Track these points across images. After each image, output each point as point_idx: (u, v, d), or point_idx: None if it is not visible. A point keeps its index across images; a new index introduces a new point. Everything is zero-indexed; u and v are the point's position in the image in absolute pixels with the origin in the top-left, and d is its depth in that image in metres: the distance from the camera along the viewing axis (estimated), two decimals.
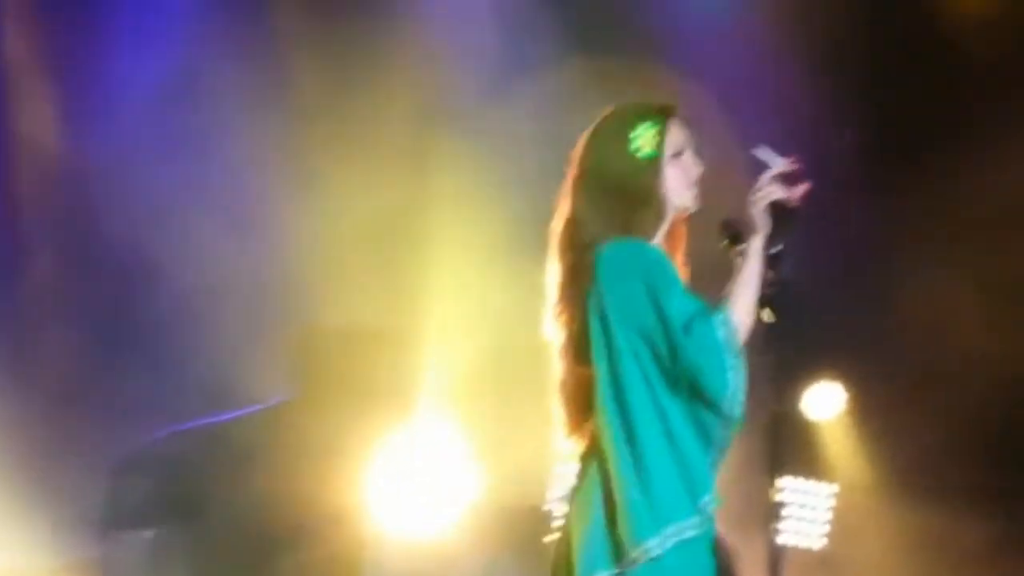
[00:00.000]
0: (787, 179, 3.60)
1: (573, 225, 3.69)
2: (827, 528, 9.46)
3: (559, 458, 8.32)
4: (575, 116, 8.28)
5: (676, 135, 3.72)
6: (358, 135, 7.73)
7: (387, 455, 7.79)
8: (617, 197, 3.65)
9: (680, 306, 3.49)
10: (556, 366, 3.87)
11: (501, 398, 7.85)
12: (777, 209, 3.56)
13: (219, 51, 7.72)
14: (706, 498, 3.50)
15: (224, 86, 7.68)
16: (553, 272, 3.74)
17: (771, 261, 3.54)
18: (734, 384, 3.46)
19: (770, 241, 3.55)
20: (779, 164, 3.61)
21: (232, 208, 7.66)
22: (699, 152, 3.74)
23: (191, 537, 7.62)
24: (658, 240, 3.70)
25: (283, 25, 7.98)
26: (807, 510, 9.44)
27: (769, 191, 3.58)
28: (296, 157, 7.83)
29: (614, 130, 3.72)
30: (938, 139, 8.61)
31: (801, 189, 3.57)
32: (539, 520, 8.25)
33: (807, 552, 9.33)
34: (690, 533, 3.48)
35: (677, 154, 3.70)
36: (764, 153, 3.64)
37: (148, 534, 7.57)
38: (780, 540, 3.61)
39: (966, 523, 8.54)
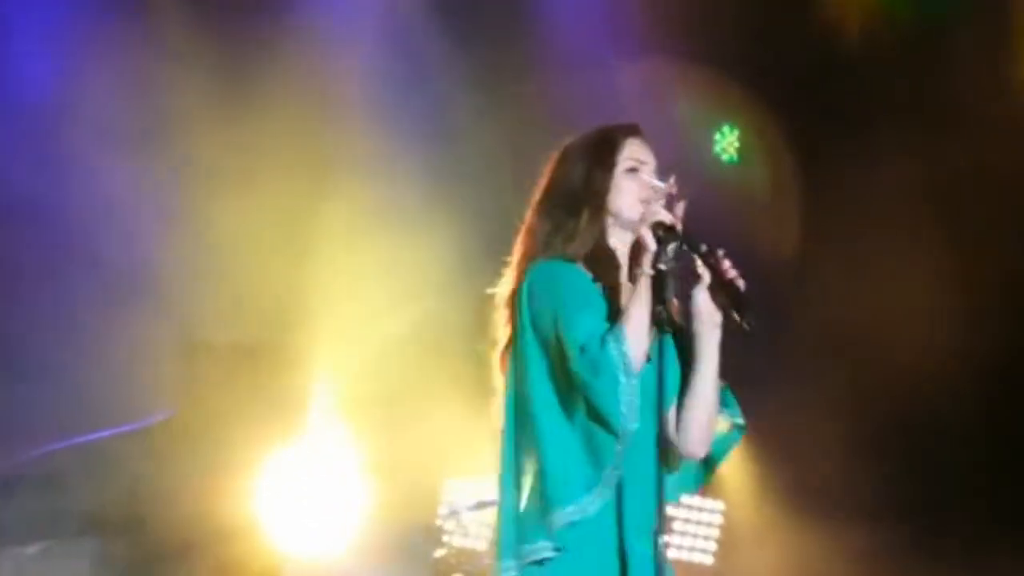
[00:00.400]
0: (669, 199, 3.68)
1: (522, 239, 3.82)
2: (714, 544, 9.56)
3: (449, 474, 8.40)
4: (465, 122, 8.34)
5: (632, 151, 3.81)
6: (244, 148, 7.68)
7: (276, 470, 7.75)
8: (566, 208, 3.76)
9: (581, 326, 3.55)
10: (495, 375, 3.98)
11: (392, 414, 7.85)
12: (661, 229, 3.61)
13: (105, 59, 7.65)
14: (565, 510, 3.55)
15: (108, 95, 7.60)
16: (505, 283, 3.84)
17: (658, 279, 3.58)
18: (626, 402, 3.50)
19: (656, 259, 3.59)
20: (661, 186, 3.69)
21: (115, 220, 7.57)
22: (664, 171, 3.81)
23: (75, 554, 7.52)
24: (623, 251, 3.78)
25: (171, 33, 7.92)
26: (693, 525, 9.53)
27: (652, 212, 3.64)
28: (179, 169, 7.76)
29: (574, 147, 3.85)
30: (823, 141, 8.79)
31: (680, 208, 3.64)
32: (429, 535, 8.25)
33: (694, 566, 9.42)
34: (546, 554, 3.59)
35: (632, 169, 3.78)
36: (645, 176, 3.74)
37: (32, 550, 7.47)
38: (668, 554, 3.63)
39: (850, 539, 8.65)
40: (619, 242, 3.80)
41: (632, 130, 3.86)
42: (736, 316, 3.58)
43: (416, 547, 8.06)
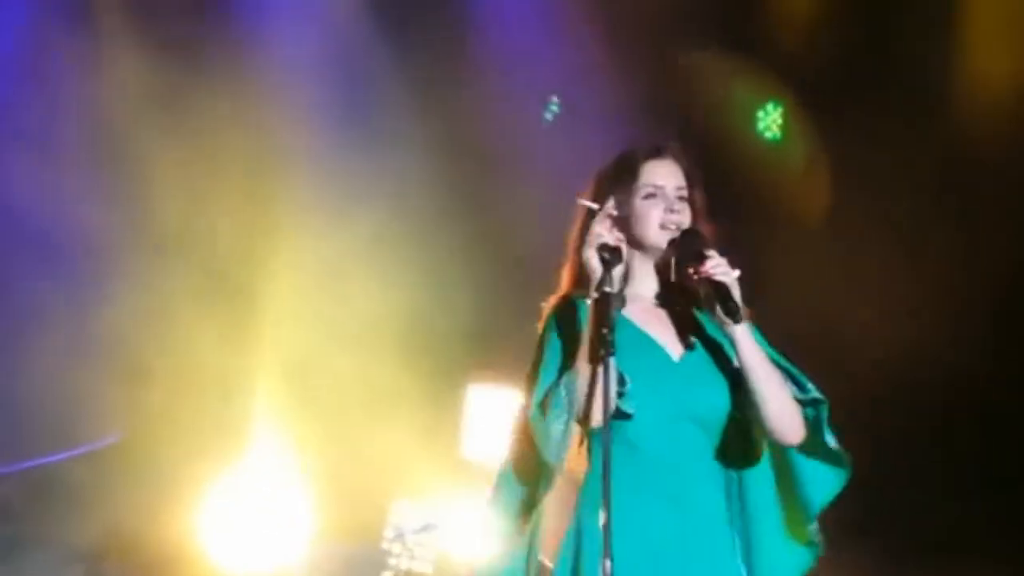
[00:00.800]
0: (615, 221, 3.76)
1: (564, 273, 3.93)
2: None
3: (395, 496, 8.37)
4: (407, 142, 8.31)
5: (651, 175, 3.86)
6: (184, 167, 7.65)
7: (222, 494, 7.71)
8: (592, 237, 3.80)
9: (546, 376, 3.74)
10: None
11: (337, 437, 7.82)
12: (606, 251, 3.66)
13: (45, 70, 7.61)
14: None
15: (45, 110, 7.56)
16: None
17: (604, 301, 3.61)
18: (562, 448, 3.65)
19: (601, 282, 3.64)
20: (595, 207, 3.75)
21: (54, 242, 7.52)
22: (686, 199, 3.87)
23: None
24: (646, 279, 3.87)
25: (112, 50, 7.90)
26: None
27: (596, 234, 3.68)
28: (121, 186, 7.72)
29: (600, 177, 3.90)
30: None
31: (622, 236, 3.71)
32: (375, 558, 8.23)
33: None
34: None
35: (650, 195, 3.82)
36: (584, 200, 3.79)
37: None
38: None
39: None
40: (644, 268, 3.87)
41: (653, 152, 3.90)
42: (721, 311, 3.67)
43: (362, 570, 8.02)
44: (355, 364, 7.76)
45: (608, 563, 3.44)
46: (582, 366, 3.64)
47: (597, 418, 3.58)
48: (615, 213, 3.72)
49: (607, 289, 3.61)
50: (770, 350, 3.82)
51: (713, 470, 3.80)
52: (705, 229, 3.86)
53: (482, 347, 8.51)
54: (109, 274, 7.61)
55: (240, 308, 7.77)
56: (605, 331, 3.56)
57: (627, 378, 3.70)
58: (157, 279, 7.63)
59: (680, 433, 3.74)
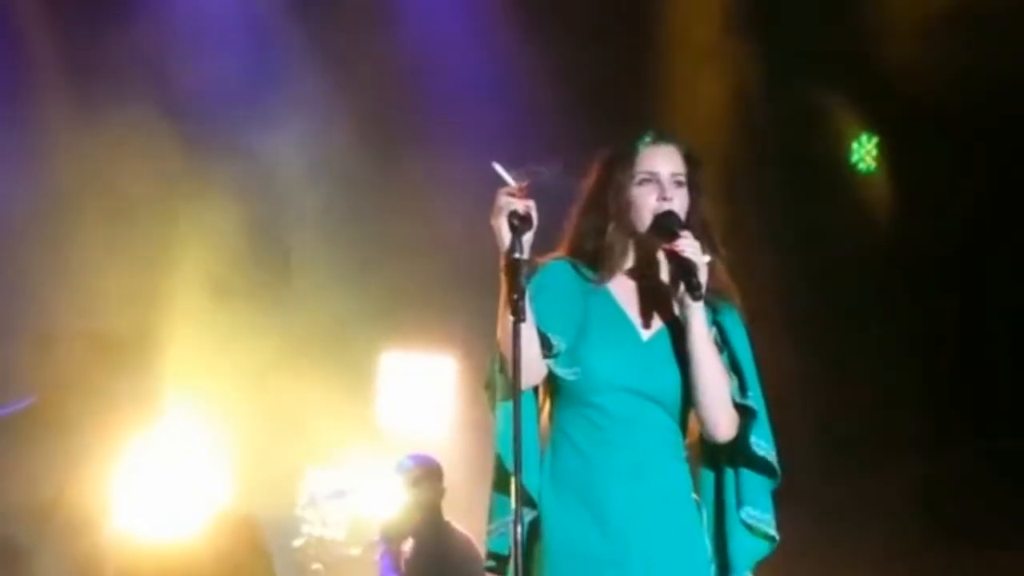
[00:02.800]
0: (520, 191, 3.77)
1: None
2: None
3: (309, 463, 8.38)
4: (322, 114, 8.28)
5: (647, 161, 3.92)
6: (106, 146, 7.62)
7: (135, 459, 7.68)
8: (593, 223, 3.93)
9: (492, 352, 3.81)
10: None
11: (251, 403, 7.82)
12: (515, 218, 3.68)
13: None
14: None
15: None
16: None
17: (514, 268, 3.64)
18: (506, 426, 3.69)
19: (511, 248, 3.66)
20: (512, 181, 3.75)
21: None
22: (683, 183, 3.91)
23: None
24: (634, 262, 3.93)
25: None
26: None
27: (507, 203, 3.70)
28: (35, 152, 7.67)
29: (600, 160, 3.98)
30: None
31: (532, 203, 3.73)
32: (288, 524, 8.23)
33: None
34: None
35: (645, 180, 3.88)
36: (499, 169, 3.77)
37: None
38: None
39: None
40: (636, 250, 3.93)
41: (650, 137, 3.95)
42: (684, 286, 3.75)
43: (275, 536, 8.03)
44: (269, 330, 7.77)
45: (518, 528, 3.55)
46: (502, 335, 3.69)
47: (513, 383, 3.62)
48: (524, 184, 3.73)
49: (516, 256, 3.64)
50: (740, 344, 3.91)
51: (678, 448, 3.88)
52: (707, 211, 3.94)
53: (396, 313, 8.55)
54: (18, 236, 7.56)
55: (153, 270, 7.74)
56: (516, 297, 3.59)
57: (556, 340, 3.79)
58: (66, 240, 7.58)
59: (643, 411, 3.83)
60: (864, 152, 9.34)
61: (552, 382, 3.86)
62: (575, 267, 3.93)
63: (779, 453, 3.86)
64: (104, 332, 7.72)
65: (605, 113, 7.72)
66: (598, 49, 8.50)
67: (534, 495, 3.75)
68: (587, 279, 3.92)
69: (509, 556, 3.62)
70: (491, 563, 3.82)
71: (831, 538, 8.10)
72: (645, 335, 3.90)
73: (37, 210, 7.60)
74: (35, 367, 7.65)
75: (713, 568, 3.87)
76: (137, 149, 7.67)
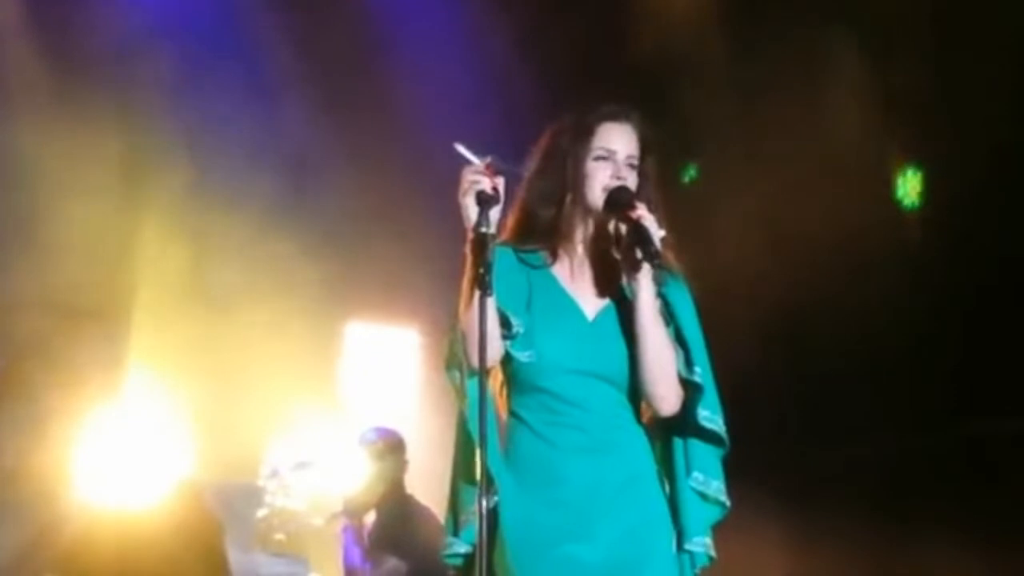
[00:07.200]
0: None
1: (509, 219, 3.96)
2: None
3: (271, 434, 8.39)
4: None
5: (604, 137, 3.91)
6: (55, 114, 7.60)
7: (95, 430, 7.67)
8: (544, 196, 3.92)
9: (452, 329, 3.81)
10: None
11: (214, 373, 7.82)
12: (481, 197, 3.69)
13: None
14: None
15: None
16: None
17: (480, 242, 3.65)
18: (462, 396, 3.74)
19: (478, 224, 3.67)
20: (477, 160, 3.76)
21: None
22: (635, 167, 3.91)
23: None
24: (581, 237, 3.92)
25: None
26: None
27: (472, 181, 3.70)
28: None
29: (555, 133, 3.97)
30: None
31: (499, 180, 3.74)
32: (250, 495, 8.23)
33: None
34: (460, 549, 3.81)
35: (601, 157, 3.88)
36: (463, 149, 3.78)
37: None
38: None
39: None
40: (581, 225, 3.93)
41: (611, 115, 3.95)
42: (641, 253, 3.75)
43: (237, 507, 8.03)
44: (233, 301, 7.77)
45: (484, 503, 3.57)
46: (463, 311, 3.70)
47: (474, 361, 3.64)
48: (487, 161, 3.74)
49: (483, 230, 3.65)
50: (687, 316, 3.91)
51: (631, 422, 3.89)
52: (655, 199, 3.92)
53: (360, 286, 8.56)
54: None
55: (116, 238, 7.73)
56: (483, 271, 3.60)
57: (515, 321, 3.79)
58: (28, 211, 7.55)
59: (595, 391, 3.83)
60: (909, 187, 8.89)
61: (504, 369, 3.87)
62: (516, 252, 3.92)
63: (727, 422, 3.88)
64: (66, 301, 7.70)
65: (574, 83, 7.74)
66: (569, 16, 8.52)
67: (495, 479, 3.74)
68: (528, 264, 3.93)
69: (474, 552, 3.63)
70: (458, 561, 3.83)
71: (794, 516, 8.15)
72: (590, 315, 3.91)
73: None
74: None
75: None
76: (101, 124, 7.64)
